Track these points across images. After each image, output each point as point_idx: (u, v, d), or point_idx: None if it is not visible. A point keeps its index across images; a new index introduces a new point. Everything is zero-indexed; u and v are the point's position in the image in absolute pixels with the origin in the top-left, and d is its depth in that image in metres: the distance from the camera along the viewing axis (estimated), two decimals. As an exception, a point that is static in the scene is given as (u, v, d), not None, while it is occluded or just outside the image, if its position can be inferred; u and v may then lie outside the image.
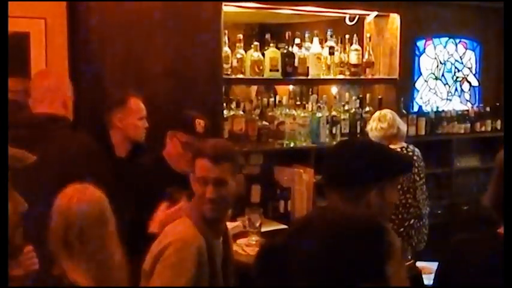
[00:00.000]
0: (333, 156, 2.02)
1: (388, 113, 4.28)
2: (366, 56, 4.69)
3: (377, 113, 4.33)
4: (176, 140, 3.13)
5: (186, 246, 2.15)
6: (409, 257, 1.26)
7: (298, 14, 4.66)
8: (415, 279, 1.99)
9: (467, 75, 5.50)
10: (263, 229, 3.65)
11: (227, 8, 4.01)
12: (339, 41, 4.63)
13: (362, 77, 4.70)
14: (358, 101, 4.71)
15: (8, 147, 1.78)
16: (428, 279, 2.96)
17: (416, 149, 4.24)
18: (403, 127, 4.31)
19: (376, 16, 4.85)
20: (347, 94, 4.74)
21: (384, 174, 1.99)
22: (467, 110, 5.38)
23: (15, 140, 2.58)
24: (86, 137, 2.92)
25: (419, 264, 2.25)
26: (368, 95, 4.78)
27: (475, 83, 5.55)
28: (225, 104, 4.14)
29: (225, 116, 4.08)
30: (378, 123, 4.22)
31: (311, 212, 2.11)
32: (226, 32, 4.07)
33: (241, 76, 4.18)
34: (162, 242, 2.21)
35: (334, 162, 2.01)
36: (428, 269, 3.23)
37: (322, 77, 4.51)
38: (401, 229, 4.06)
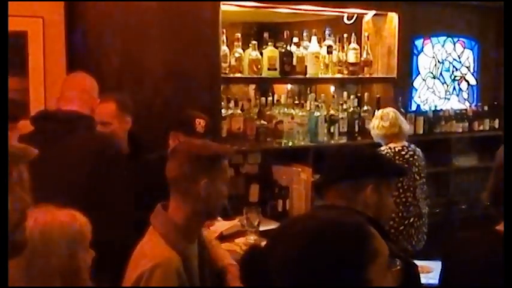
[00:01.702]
0: (331, 157, 2.10)
1: (390, 111, 4.30)
2: (364, 55, 4.69)
3: (380, 111, 4.35)
4: (178, 141, 3.13)
5: (167, 270, 2.05)
6: (398, 263, 1.24)
7: (296, 13, 4.66)
8: (411, 276, 1.99)
9: (465, 74, 5.50)
10: (261, 228, 3.64)
11: (225, 7, 4.00)
12: (337, 40, 4.62)
13: (360, 76, 4.70)
14: (356, 100, 4.71)
15: (10, 143, 1.76)
16: (426, 278, 2.97)
17: (418, 149, 4.26)
18: (405, 126, 4.32)
19: (374, 15, 4.85)
20: (345, 93, 4.74)
21: (376, 173, 2.08)
22: (465, 109, 5.39)
23: (39, 131, 2.66)
24: (108, 137, 2.95)
25: (418, 263, 2.25)
26: (366, 94, 4.78)
27: (473, 82, 5.55)
28: (223, 103, 4.14)
29: (223, 115, 4.08)
30: (380, 122, 4.24)
31: (298, 215, 2.15)
32: (225, 31, 4.06)
33: (239, 75, 4.18)
34: (138, 268, 2.07)
35: (331, 161, 2.09)
36: (427, 268, 3.24)
37: (320, 75, 4.51)
38: (401, 227, 4.06)
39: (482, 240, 1.91)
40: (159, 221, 2.16)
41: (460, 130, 5.27)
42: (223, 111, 4.10)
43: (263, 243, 2.21)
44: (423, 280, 2.40)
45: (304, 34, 4.49)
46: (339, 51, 4.60)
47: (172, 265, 2.06)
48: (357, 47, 4.63)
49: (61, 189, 2.55)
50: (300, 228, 1.26)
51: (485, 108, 5.43)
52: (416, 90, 5.17)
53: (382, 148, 4.19)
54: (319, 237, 1.21)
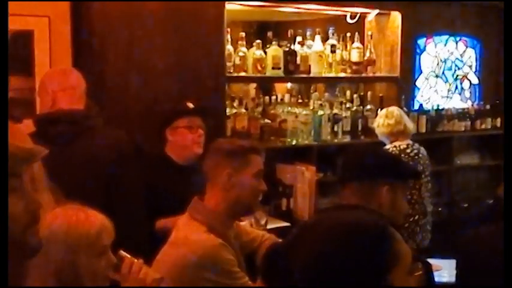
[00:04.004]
0: (349, 155, 2.12)
1: (395, 109, 4.33)
2: (367, 54, 4.70)
3: (384, 110, 4.37)
4: (180, 129, 3.13)
5: (222, 252, 2.18)
6: (420, 267, 1.24)
7: (299, 12, 4.66)
8: (429, 277, 2.00)
9: (468, 73, 5.52)
10: (268, 227, 3.65)
11: (228, 5, 4.00)
12: (341, 39, 4.63)
13: (363, 75, 4.71)
14: (359, 98, 4.72)
15: (17, 144, 1.73)
16: (437, 277, 2.98)
17: (422, 148, 4.28)
18: (410, 124, 4.34)
19: (377, 14, 4.86)
20: (348, 92, 4.75)
21: (393, 174, 2.08)
22: (468, 108, 5.40)
23: (55, 135, 2.59)
24: (123, 134, 2.90)
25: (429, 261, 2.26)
26: (369, 93, 4.79)
27: (475, 80, 5.56)
28: (227, 102, 4.13)
29: (227, 114, 4.08)
30: (385, 120, 4.26)
31: (320, 214, 2.16)
32: (229, 30, 4.06)
33: (243, 74, 4.18)
34: (183, 255, 2.18)
35: (349, 160, 2.10)
36: (437, 266, 3.25)
37: (323, 75, 4.52)
38: (406, 225, 4.07)
39: (496, 235, 1.92)
40: (198, 210, 2.28)
41: (463, 129, 5.28)
42: (227, 110, 4.10)
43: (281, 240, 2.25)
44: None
45: (308, 33, 4.50)
46: (342, 50, 4.61)
47: (223, 249, 2.18)
48: (360, 46, 4.64)
49: (83, 188, 2.48)
50: (324, 229, 1.26)
51: (488, 107, 5.44)
52: (418, 89, 5.18)
53: (387, 146, 4.20)
54: (343, 238, 1.21)
